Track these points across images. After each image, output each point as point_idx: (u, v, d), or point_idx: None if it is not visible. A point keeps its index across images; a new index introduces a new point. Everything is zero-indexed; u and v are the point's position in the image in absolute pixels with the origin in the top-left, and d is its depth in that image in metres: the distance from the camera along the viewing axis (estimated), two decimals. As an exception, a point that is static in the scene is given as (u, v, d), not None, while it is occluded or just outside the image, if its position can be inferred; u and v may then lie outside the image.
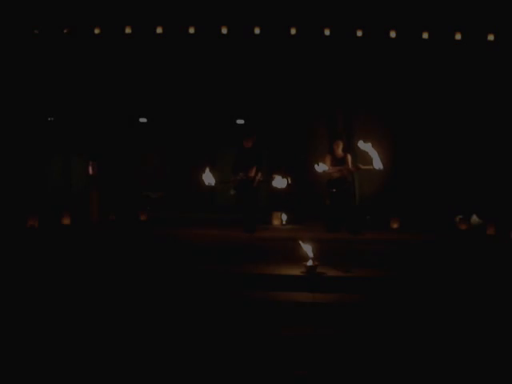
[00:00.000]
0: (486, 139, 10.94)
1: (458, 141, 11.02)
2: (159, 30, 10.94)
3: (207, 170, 8.98)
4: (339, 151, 9.48)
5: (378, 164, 8.16)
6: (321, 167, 9.10)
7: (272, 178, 9.28)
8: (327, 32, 10.78)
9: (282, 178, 9.32)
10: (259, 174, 9.29)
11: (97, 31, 10.97)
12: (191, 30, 10.91)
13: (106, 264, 5.80)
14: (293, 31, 10.83)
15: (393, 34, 10.74)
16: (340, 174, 9.38)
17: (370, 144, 8.11)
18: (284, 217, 10.70)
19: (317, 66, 11.11)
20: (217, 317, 4.56)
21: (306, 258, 5.02)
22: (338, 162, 9.40)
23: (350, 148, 10.10)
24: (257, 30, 10.82)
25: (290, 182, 9.50)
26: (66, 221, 9.66)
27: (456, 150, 11.01)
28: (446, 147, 11.00)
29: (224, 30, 10.84)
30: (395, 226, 10.13)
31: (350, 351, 4.25)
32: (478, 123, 10.91)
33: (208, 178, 8.95)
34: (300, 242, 5.26)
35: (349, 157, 9.48)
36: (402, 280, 5.04)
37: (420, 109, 10.95)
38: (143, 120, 12.87)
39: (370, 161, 8.30)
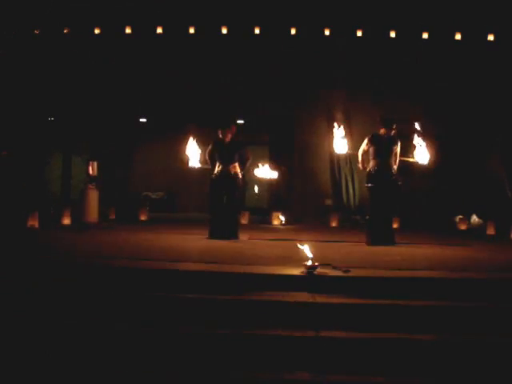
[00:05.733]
0: (485, 139, 10.95)
1: (458, 140, 11.03)
2: (159, 30, 10.97)
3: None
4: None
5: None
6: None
7: (255, 166, 7.80)
8: (327, 32, 10.82)
9: (273, 168, 7.96)
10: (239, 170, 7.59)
11: (97, 31, 11.00)
12: (191, 30, 10.94)
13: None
14: (293, 31, 10.88)
15: (393, 34, 10.77)
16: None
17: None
18: (283, 217, 10.72)
19: (317, 65, 11.16)
20: (215, 317, 4.57)
21: (306, 258, 5.01)
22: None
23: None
24: (257, 30, 10.86)
25: (282, 171, 8.50)
26: (66, 221, 9.66)
27: (456, 150, 11.02)
28: (446, 147, 11.01)
29: (224, 30, 10.87)
30: (395, 226, 10.14)
31: (350, 352, 4.26)
32: (478, 123, 10.92)
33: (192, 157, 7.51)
34: (299, 243, 5.27)
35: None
36: (403, 280, 5.05)
37: (420, 108, 10.98)
38: (143, 120, 12.90)
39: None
